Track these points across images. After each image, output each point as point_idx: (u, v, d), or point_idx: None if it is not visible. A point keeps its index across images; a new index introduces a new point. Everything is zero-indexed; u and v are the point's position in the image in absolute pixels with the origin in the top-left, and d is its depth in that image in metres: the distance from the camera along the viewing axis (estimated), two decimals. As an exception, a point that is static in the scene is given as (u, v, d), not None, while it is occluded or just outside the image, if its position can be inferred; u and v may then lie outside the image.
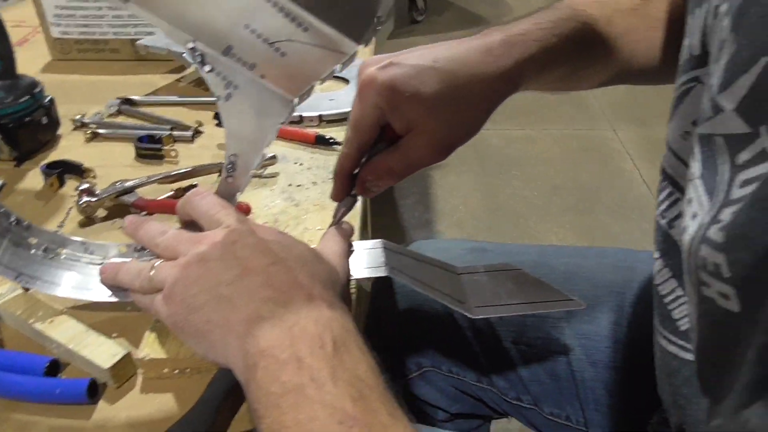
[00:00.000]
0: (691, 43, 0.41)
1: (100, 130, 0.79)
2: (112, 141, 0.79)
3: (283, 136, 0.78)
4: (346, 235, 0.51)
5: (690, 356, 0.43)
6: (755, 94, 0.29)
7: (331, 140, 0.77)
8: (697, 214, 0.35)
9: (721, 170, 0.32)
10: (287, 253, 0.43)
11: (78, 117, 0.81)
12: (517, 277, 0.57)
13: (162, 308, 0.43)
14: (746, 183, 0.30)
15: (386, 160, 0.48)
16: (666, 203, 0.45)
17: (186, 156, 0.75)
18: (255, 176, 0.69)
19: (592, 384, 0.67)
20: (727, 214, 0.30)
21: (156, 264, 0.45)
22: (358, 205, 0.61)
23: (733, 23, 0.31)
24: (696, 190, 0.35)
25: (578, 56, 0.52)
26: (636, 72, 0.58)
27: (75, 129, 0.81)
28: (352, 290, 0.56)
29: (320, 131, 0.79)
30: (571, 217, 2.04)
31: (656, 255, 0.46)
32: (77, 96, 0.89)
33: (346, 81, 0.93)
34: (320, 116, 0.82)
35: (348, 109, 0.50)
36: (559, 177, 2.23)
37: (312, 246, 0.51)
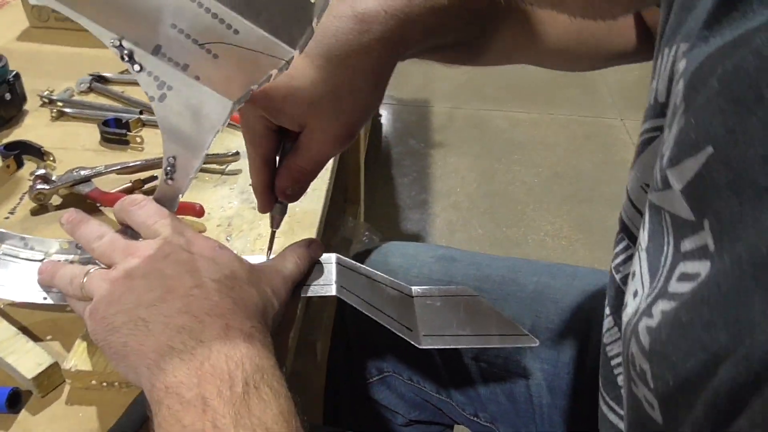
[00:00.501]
0: (657, 87, 0.38)
1: (67, 109, 0.76)
2: (78, 121, 0.76)
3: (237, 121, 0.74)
4: (307, 258, 0.49)
5: None
6: (700, 182, 0.26)
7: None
8: (638, 293, 0.32)
9: (666, 251, 0.30)
10: (217, 273, 0.42)
11: (45, 93, 0.78)
12: (472, 305, 0.54)
13: (88, 321, 0.42)
14: (683, 278, 0.27)
15: (294, 161, 0.46)
16: (621, 257, 0.42)
17: (153, 143, 0.72)
18: (216, 172, 0.67)
19: (549, 411, 0.66)
20: (657, 312, 0.28)
21: (90, 271, 0.44)
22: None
23: (684, 93, 0.28)
24: (640, 264, 0.33)
25: (475, 24, 0.48)
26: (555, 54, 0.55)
27: (42, 105, 0.78)
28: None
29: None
30: (569, 207, 2.01)
31: (607, 311, 0.43)
32: (49, 68, 0.87)
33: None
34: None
35: None
36: (561, 164, 2.19)
37: (258, 261, 0.49)
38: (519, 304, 0.68)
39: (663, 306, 0.28)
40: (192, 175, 0.46)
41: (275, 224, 0.52)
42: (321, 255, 0.52)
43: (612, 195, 2.06)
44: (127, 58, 0.39)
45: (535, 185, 2.10)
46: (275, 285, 0.46)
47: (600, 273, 0.71)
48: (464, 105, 2.43)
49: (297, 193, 0.49)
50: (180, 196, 0.47)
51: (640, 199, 0.41)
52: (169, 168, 0.45)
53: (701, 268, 0.26)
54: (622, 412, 0.41)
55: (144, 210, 0.46)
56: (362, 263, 0.75)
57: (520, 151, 2.24)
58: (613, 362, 0.42)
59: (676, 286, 0.28)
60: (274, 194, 0.49)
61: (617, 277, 0.42)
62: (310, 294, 0.50)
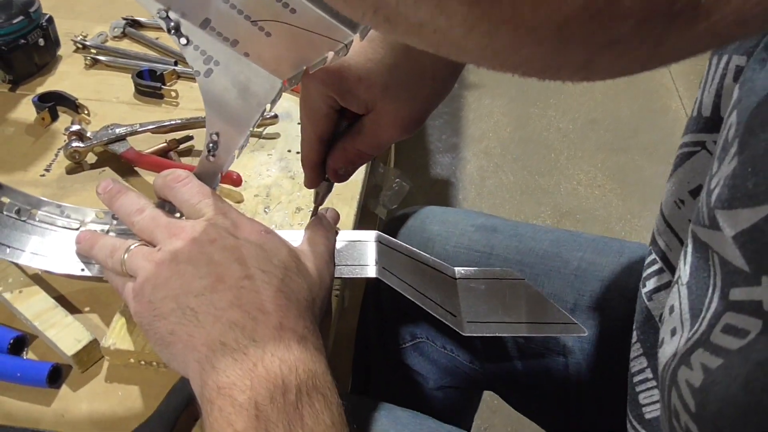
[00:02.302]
0: (703, 100, 0.35)
1: (101, 57, 0.74)
2: (112, 70, 0.74)
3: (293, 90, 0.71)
4: (331, 228, 0.48)
5: None
6: (759, 235, 0.23)
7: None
8: (676, 332, 0.30)
9: (711, 294, 0.28)
10: (266, 264, 0.40)
11: (79, 38, 0.75)
12: (517, 290, 0.53)
13: (131, 303, 0.41)
14: (729, 331, 0.25)
15: (353, 144, 0.44)
16: (650, 270, 0.40)
17: (187, 97, 0.70)
18: (253, 136, 0.64)
19: (587, 389, 0.65)
20: (698, 365, 0.26)
21: (131, 247, 0.43)
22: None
23: (741, 133, 0.25)
24: (680, 300, 0.31)
25: None
26: None
27: (76, 51, 0.76)
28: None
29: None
30: (603, 156, 1.95)
31: (634, 325, 0.41)
32: (82, 10, 0.83)
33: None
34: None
35: None
36: (598, 110, 2.12)
37: (295, 243, 0.48)
38: (562, 281, 0.66)
39: (704, 359, 0.26)
40: (235, 152, 0.44)
41: (319, 201, 0.50)
42: (339, 220, 0.50)
43: (650, 144, 2.00)
44: (173, 31, 0.37)
45: (570, 132, 2.04)
46: (321, 272, 0.44)
47: (648, 249, 0.68)
48: (501, 43, 2.33)
49: (348, 174, 0.47)
50: (221, 173, 0.46)
51: (673, 216, 0.38)
52: (211, 144, 0.44)
53: (752, 325, 0.23)
54: None
55: (188, 188, 0.44)
56: (400, 229, 0.74)
57: (556, 95, 2.16)
58: (636, 379, 0.40)
59: (720, 338, 0.25)
60: (323, 172, 0.47)
61: (644, 291, 0.40)
62: (347, 275, 0.49)
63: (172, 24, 0.37)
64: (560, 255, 0.67)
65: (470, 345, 0.71)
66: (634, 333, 0.41)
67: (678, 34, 0.17)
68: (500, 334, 0.52)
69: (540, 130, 2.03)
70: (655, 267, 0.39)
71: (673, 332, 0.31)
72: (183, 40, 0.37)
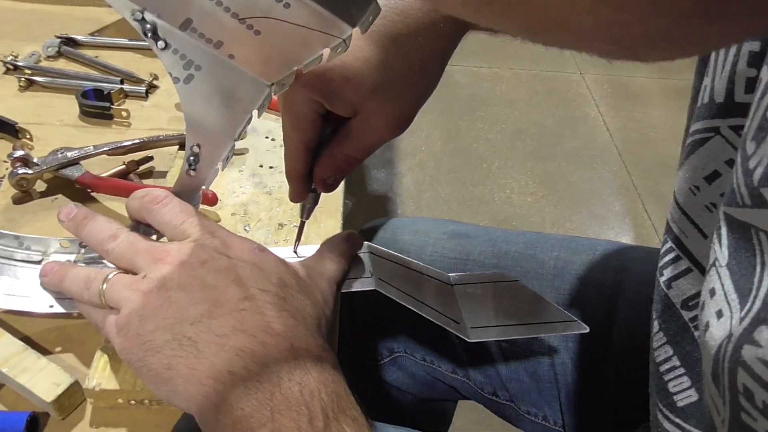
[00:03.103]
0: (714, 87, 0.35)
1: (37, 78, 0.68)
2: (50, 91, 0.68)
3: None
4: (347, 254, 0.45)
5: None
6: None
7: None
8: (723, 314, 0.30)
9: (760, 271, 0.27)
10: (264, 283, 0.37)
11: (9, 58, 0.70)
12: (514, 291, 0.52)
13: (115, 338, 0.37)
14: None
15: (341, 150, 0.42)
16: (666, 258, 0.40)
17: (139, 117, 0.66)
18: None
19: (575, 388, 0.64)
20: (765, 340, 0.25)
21: (110, 276, 0.38)
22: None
23: None
24: (721, 282, 0.30)
25: None
26: None
27: (6, 72, 0.70)
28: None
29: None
30: (532, 164, 2.01)
31: (653, 315, 0.41)
32: (9, 29, 0.77)
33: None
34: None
35: None
36: (524, 120, 2.18)
37: (295, 256, 0.45)
38: (540, 281, 0.66)
39: None
40: (218, 165, 0.41)
41: (306, 214, 0.47)
42: (360, 248, 0.48)
43: (573, 150, 2.07)
44: (150, 34, 0.34)
45: (499, 142, 2.08)
46: (323, 290, 0.42)
47: (621, 247, 0.69)
48: (423, 59, 2.36)
49: (337, 183, 0.45)
50: (202, 188, 0.42)
51: (687, 203, 0.39)
52: (192, 158, 0.40)
53: None
54: (678, 421, 0.39)
55: (168, 208, 0.40)
56: (371, 241, 0.72)
57: (483, 107, 2.21)
58: (662, 368, 0.40)
59: None
60: (310, 183, 0.45)
61: (661, 280, 0.40)
62: (345, 289, 0.47)
63: (149, 26, 0.34)
64: (536, 256, 0.67)
65: (452, 354, 0.69)
66: (655, 322, 0.40)
67: None
68: (505, 338, 0.51)
69: (470, 141, 2.06)
70: (672, 255, 0.39)
71: (720, 314, 0.31)
72: (161, 44, 0.34)
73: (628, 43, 0.19)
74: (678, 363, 0.39)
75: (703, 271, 0.35)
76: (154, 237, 0.42)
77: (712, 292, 0.32)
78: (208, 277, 0.36)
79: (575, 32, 0.19)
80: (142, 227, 0.43)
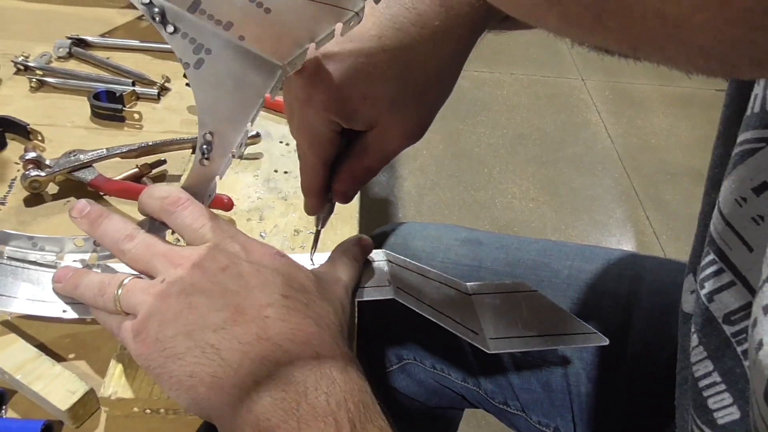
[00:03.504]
0: (766, 96, 0.35)
1: (48, 79, 0.67)
2: (62, 92, 0.68)
3: (266, 106, 0.68)
4: (359, 257, 0.45)
5: None
6: None
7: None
8: None
9: None
10: (286, 289, 0.37)
11: (20, 58, 0.69)
12: (532, 302, 0.51)
13: (132, 344, 0.36)
14: None
15: (360, 162, 0.42)
16: (707, 271, 0.39)
17: (150, 119, 0.65)
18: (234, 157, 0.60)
19: (588, 399, 0.64)
20: None
21: (125, 281, 0.38)
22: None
23: None
24: None
25: None
26: None
27: (17, 73, 0.69)
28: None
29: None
30: (533, 169, 2.00)
31: (693, 328, 0.40)
32: (20, 29, 0.76)
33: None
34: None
35: None
36: (525, 125, 2.18)
37: (311, 265, 0.44)
38: (554, 290, 0.65)
39: None
40: (231, 153, 0.40)
41: (322, 224, 0.47)
42: (372, 251, 0.48)
43: (575, 156, 2.07)
44: (158, 18, 0.33)
45: (500, 147, 2.08)
46: (340, 297, 0.41)
47: (634, 256, 0.68)
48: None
49: (355, 193, 0.44)
50: (217, 179, 0.42)
51: (733, 214, 0.38)
52: (205, 146, 0.39)
53: None
54: None
55: (189, 211, 0.40)
56: (381, 247, 0.71)
57: (484, 112, 2.21)
58: (701, 383, 0.39)
59: None
60: (327, 195, 0.44)
61: (702, 292, 0.39)
62: (366, 298, 0.46)
63: (156, 10, 0.33)
64: (549, 265, 0.67)
65: (463, 362, 0.69)
66: (694, 336, 0.40)
67: None
68: (524, 350, 0.50)
69: (471, 146, 2.06)
70: (714, 268, 0.38)
71: None
72: (169, 28, 0.33)
73: (745, 61, 0.18)
74: (719, 379, 0.38)
75: (747, 285, 0.34)
76: (167, 235, 0.42)
77: (765, 309, 0.31)
78: (230, 283, 0.36)
79: (689, 51, 0.18)
80: (156, 224, 0.42)
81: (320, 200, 0.45)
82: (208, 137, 0.38)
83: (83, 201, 0.42)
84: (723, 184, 0.38)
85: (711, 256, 0.38)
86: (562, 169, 2.02)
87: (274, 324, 0.34)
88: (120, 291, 0.37)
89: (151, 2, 0.33)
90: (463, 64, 0.41)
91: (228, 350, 0.33)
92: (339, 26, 0.34)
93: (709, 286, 0.38)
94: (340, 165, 0.42)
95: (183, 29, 0.33)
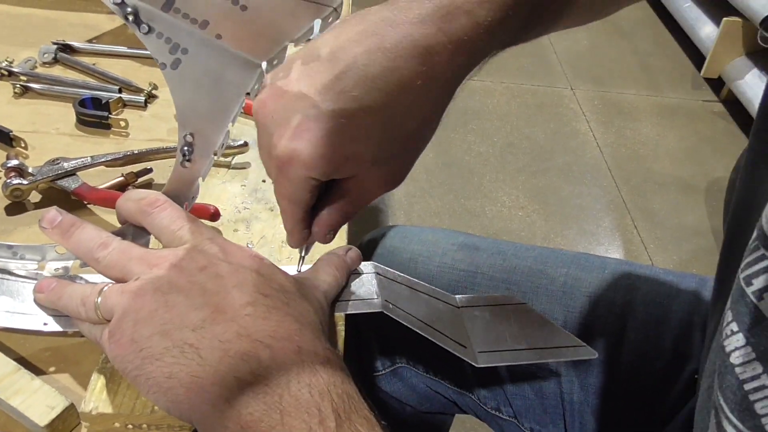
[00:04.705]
0: None
1: (33, 85, 0.66)
2: (47, 99, 0.66)
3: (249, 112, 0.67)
4: (345, 269, 0.45)
5: None
6: None
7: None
8: None
9: None
10: (266, 288, 0.36)
11: (4, 63, 0.68)
12: (521, 314, 0.51)
13: (107, 346, 0.35)
14: None
15: (340, 207, 0.41)
16: (756, 267, 0.38)
17: (137, 127, 0.64)
18: (222, 166, 0.59)
19: (580, 407, 0.64)
20: None
21: (104, 289, 0.37)
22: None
23: None
24: None
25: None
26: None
27: (0, 78, 0.68)
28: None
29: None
30: (524, 178, 2.01)
31: (736, 327, 0.39)
32: (4, 34, 0.75)
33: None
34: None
35: None
36: (514, 134, 2.18)
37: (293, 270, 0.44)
38: (550, 298, 0.65)
39: None
40: (213, 154, 0.40)
41: (306, 251, 0.46)
42: (359, 264, 0.47)
43: (564, 165, 2.07)
44: (131, 18, 0.33)
45: (490, 156, 2.08)
46: (320, 299, 0.41)
47: (630, 265, 0.68)
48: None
49: (334, 235, 0.44)
50: (200, 180, 0.41)
51: None
52: (186, 148, 0.39)
53: None
54: None
55: (166, 213, 0.39)
56: (375, 250, 0.70)
57: (474, 120, 2.21)
58: (747, 386, 0.38)
59: None
60: (308, 232, 0.43)
61: (748, 290, 0.38)
62: (351, 311, 0.46)
63: (129, 10, 0.32)
64: (545, 272, 0.67)
65: (456, 368, 0.68)
66: (741, 335, 0.38)
67: None
68: (513, 363, 0.49)
69: (461, 154, 2.06)
70: (764, 264, 0.37)
71: None
72: (143, 28, 0.33)
73: None
74: None
75: None
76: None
77: None
78: (209, 282, 0.35)
79: None
80: (131, 232, 0.41)
81: (303, 236, 0.44)
82: (189, 138, 0.38)
83: (53, 210, 0.41)
84: None
85: (761, 251, 0.37)
86: (552, 178, 2.02)
87: (254, 322, 0.34)
88: (99, 299, 0.37)
89: (123, 2, 0.32)
90: (444, 110, 0.40)
91: (208, 349, 0.33)
92: (318, 22, 0.34)
93: (758, 283, 0.37)
94: (319, 209, 0.41)
95: (158, 29, 0.33)
